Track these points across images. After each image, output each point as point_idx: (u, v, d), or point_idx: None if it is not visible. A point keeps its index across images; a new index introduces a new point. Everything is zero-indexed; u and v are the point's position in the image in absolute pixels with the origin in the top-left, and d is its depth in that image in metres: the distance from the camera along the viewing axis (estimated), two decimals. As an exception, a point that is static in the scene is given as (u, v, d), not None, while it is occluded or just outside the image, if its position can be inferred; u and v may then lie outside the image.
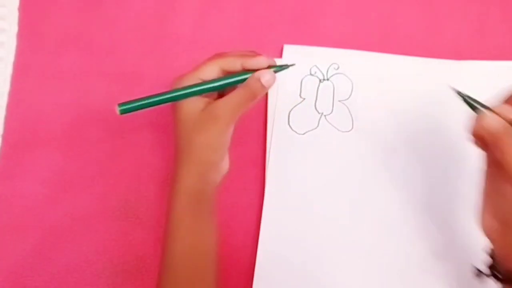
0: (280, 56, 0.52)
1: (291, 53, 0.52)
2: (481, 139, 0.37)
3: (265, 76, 0.40)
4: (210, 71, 0.41)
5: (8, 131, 0.49)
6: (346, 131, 0.50)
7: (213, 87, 0.41)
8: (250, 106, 0.41)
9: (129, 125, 0.50)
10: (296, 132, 0.50)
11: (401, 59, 0.52)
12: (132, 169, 0.49)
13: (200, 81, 0.41)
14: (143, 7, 0.54)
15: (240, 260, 0.48)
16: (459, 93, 0.40)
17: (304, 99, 0.51)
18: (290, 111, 0.50)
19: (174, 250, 0.41)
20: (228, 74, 0.42)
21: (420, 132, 0.50)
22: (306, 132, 0.50)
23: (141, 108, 0.41)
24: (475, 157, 0.49)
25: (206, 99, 0.41)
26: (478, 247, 0.41)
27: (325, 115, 0.50)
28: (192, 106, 0.41)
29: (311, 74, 0.51)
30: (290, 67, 0.43)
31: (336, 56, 0.51)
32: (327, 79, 0.51)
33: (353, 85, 0.51)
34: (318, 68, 0.51)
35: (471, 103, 0.39)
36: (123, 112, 0.41)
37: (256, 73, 0.41)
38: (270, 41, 0.53)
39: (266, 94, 0.51)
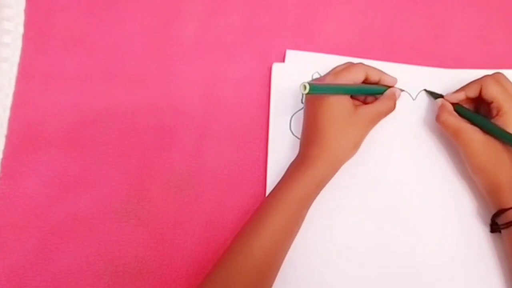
0: (283, 60, 0.53)
1: (293, 58, 0.52)
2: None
3: (398, 91, 0.49)
4: (359, 75, 0.46)
5: (12, 132, 0.50)
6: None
7: (372, 90, 0.48)
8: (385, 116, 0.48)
9: (132, 126, 0.51)
10: (297, 137, 0.50)
11: (402, 68, 0.52)
12: (134, 171, 0.49)
13: (351, 82, 0.46)
14: (147, 10, 0.54)
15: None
16: (425, 91, 0.51)
17: (305, 104, 0.51)
18: (291, 116, 0.50)
19: (271, 228, 0.43)
20: (366, 82, 0.47)
21: (422, 139, 0.51)
22: (307, 137, 0.50)
23: (323, 93, 0.44)
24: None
25: (352, 100, 0.46)
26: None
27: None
28: (346, 104, 0.45)
29: (312, 80, 0.51)
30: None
31: (338, 63, 0.51)
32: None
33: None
34: (320, 74, 0.51)
35: (436, 96, 0.50)
36: (311, 91, 0.40)
37: (392, 89, 0.48)
38: (272, 46, 0.53)
39: (269, 99, 0.51)
